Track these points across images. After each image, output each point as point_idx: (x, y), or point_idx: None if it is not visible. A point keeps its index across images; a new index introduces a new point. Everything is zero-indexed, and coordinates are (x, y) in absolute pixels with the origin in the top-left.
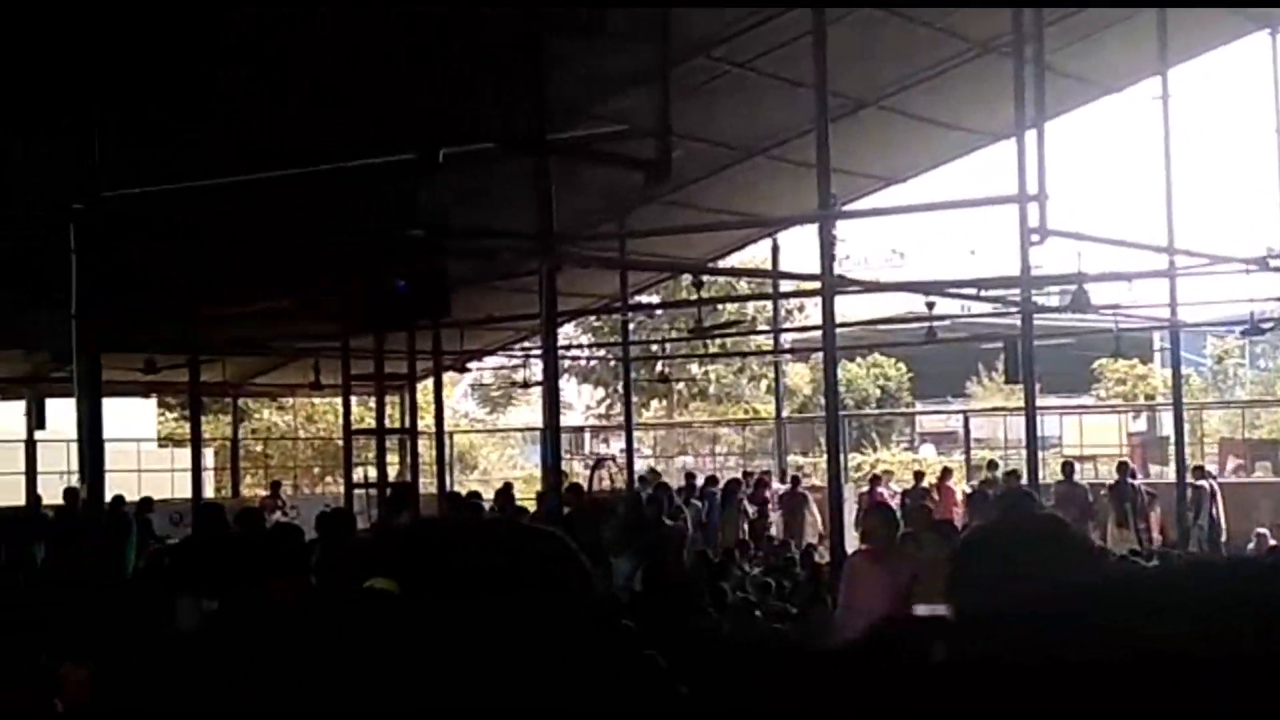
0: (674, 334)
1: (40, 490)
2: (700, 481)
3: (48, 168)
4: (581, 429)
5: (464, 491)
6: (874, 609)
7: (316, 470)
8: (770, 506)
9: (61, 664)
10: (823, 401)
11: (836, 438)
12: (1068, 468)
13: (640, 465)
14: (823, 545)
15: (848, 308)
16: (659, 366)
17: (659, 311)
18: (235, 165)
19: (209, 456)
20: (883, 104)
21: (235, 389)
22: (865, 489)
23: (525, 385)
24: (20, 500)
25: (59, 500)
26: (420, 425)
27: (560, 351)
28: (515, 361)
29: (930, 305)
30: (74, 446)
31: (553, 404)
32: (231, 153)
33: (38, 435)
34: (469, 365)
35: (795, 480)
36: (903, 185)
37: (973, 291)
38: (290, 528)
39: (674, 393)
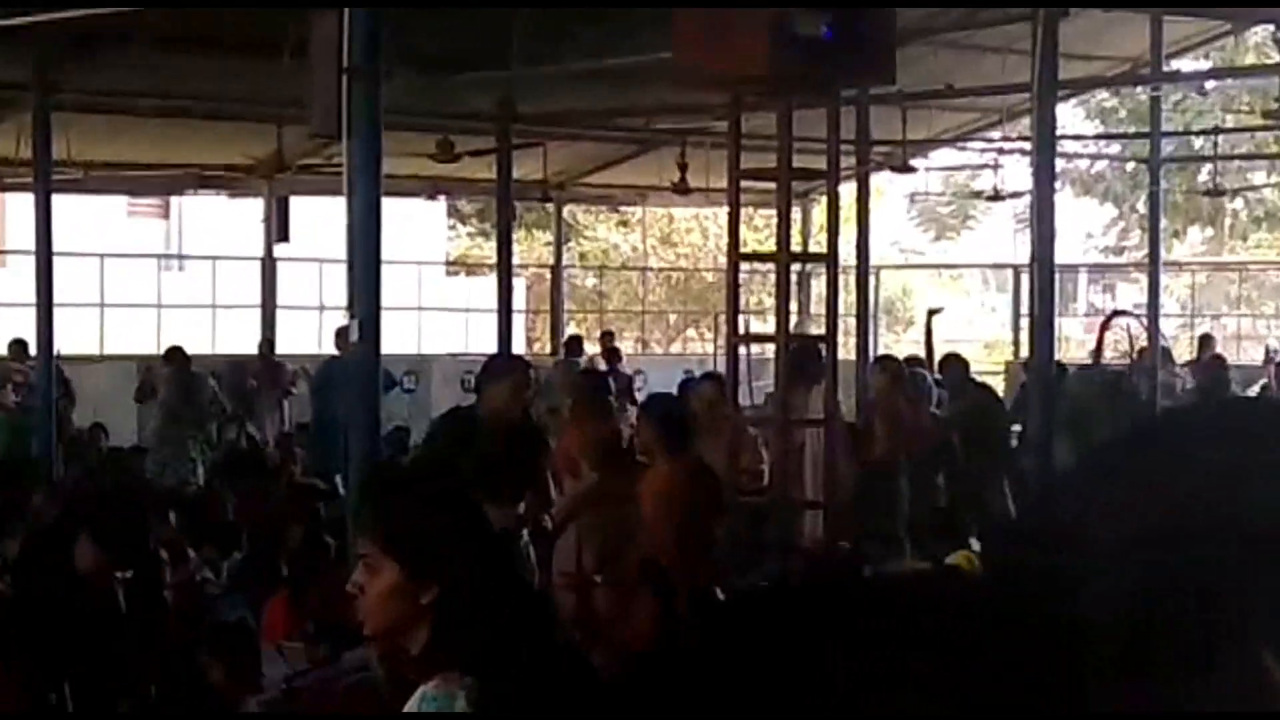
0: (1229, 122)
1: (279, 332)
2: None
3: None
4: (1075, 268)
5: (899, 354)
6: None
7: (674, 318)
8: None
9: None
10: None
11: None
12: None
13: (1168, 325)
14: None
15: None
16: (1202, 173)
17: (1209, 84)
18: None
19: (519, 291)
20: None
21: (560, 191)
22: None
23: (994, 197)
24: (249, 349)
25: (312, 349)
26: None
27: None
28: (979, 161)
29: None
30: (328, 269)
31: (1044, 225)
32: None
33: (278, 251)
34: (911, 163)
35: None
36: None
37: None
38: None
39: (1225, 215)
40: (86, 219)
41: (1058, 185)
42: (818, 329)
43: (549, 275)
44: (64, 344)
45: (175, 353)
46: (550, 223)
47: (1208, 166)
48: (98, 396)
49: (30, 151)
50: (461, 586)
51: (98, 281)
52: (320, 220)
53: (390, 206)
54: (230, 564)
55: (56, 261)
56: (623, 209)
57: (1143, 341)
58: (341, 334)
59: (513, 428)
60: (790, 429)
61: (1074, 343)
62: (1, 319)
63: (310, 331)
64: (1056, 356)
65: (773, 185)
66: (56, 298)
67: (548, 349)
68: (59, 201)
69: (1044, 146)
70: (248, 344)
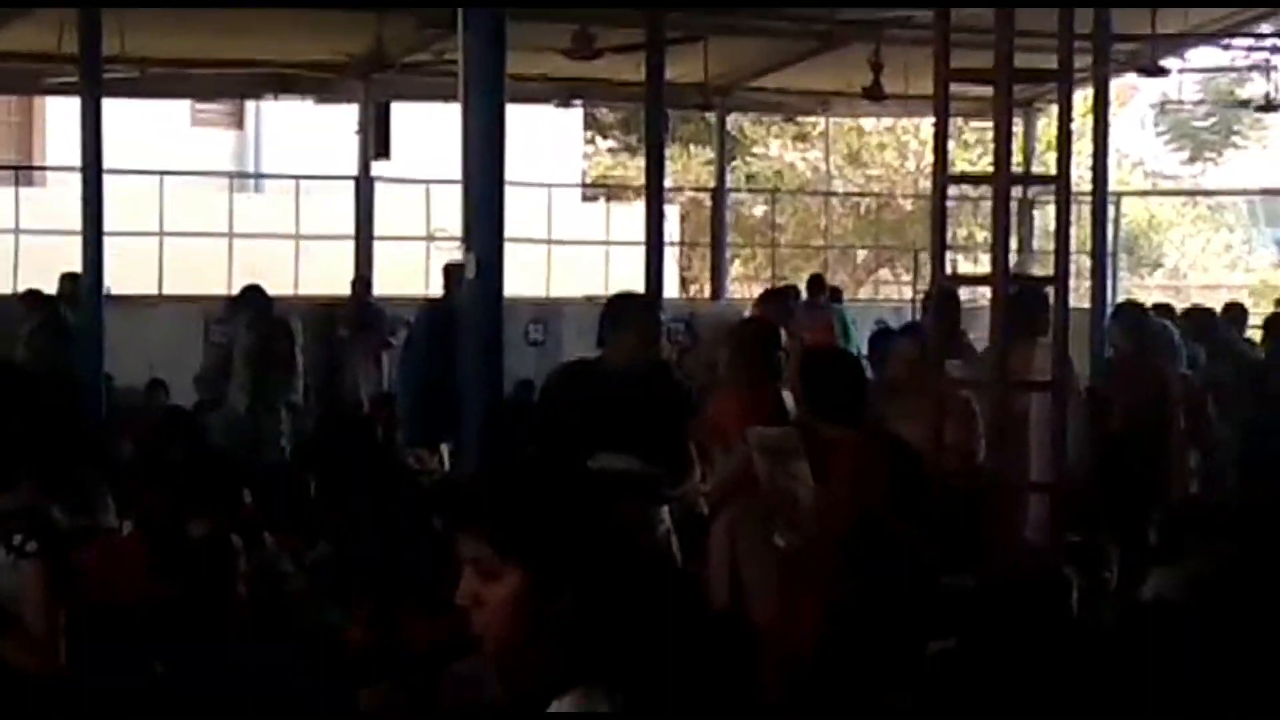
0: None
1: (376, 269)
2: None
3: None
4: None
5: (1147, 300)
6: None
7: (863, 255)
8: None
9: None
10: None
11: None
12: None
13: None
14: None
15: None
16: None
17: None
18: None
19: (672, 220)
20: None
21: (723, 97)
22: None
23: (1266, 108)
24: (340, 289)
25: (417, 289)
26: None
27: None
28: (1248, 61)
29: None
30: (438, 192)
31: None
32: None
33: (375, 168)
34: (1162, 64)
35: None
36: None
37: None
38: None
39: None
40: (143, 129)
41: None
42: (1043, 269)
43: (709, 201)
44: (115, 281)
45: (253, 293)
46: (711, 137)
47: None
48: (154, 346)
49: (75, 46)
50: (600, 589)
51: (156, 205)
52: (429, 132)
53: (515, 114)
54: (314, 555)
55: (107, 180)
56: (800, 120)
57: None
58: (454, 271)
59: (646, 383)
60: (1010, 394)
61: None
62: (39, 250)
63: (415, 268)
64: None
65: (989, 90)
66: (107, 225)
67: (706, 291)
68: (110, 107)
69: None
70: (338, 283)
